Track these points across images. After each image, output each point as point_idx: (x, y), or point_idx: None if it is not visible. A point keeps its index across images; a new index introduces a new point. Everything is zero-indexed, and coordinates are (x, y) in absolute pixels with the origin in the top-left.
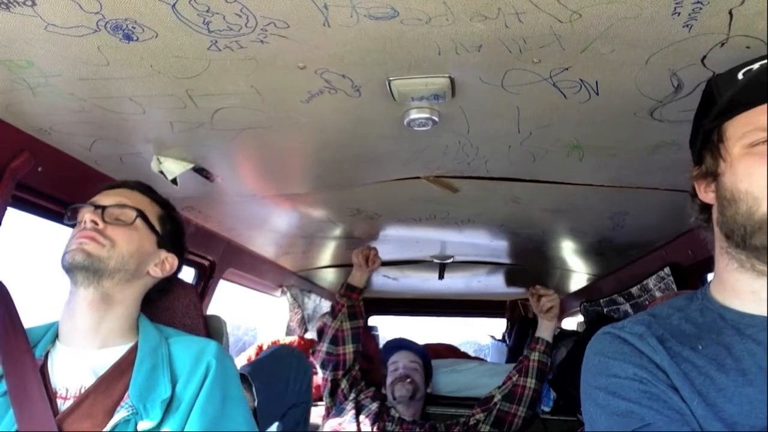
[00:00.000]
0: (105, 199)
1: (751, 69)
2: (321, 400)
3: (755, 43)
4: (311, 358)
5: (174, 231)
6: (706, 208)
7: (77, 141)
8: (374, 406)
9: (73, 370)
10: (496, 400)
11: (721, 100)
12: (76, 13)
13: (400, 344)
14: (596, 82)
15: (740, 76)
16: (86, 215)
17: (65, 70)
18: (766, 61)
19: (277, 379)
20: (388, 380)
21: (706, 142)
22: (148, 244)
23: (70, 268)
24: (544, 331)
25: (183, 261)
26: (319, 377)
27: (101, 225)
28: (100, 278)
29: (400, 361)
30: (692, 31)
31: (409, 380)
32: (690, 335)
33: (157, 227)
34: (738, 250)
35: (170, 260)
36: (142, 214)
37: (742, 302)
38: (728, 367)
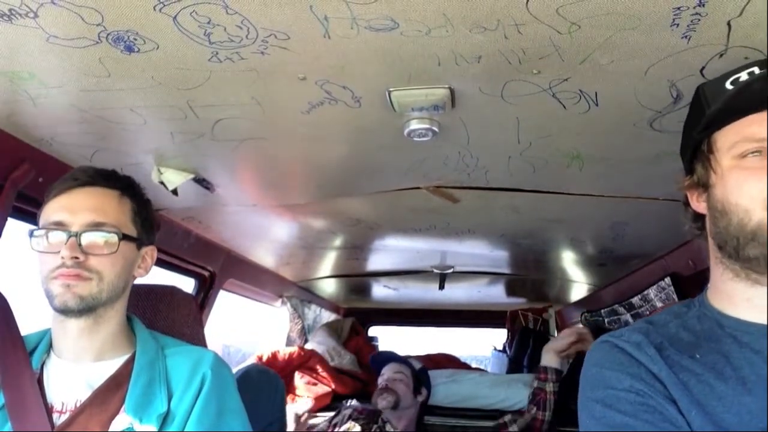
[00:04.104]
0: (73, 214)
1: (738, 78)
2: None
3: (754, 54)
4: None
5: (146, 219)
6: (699, 216)
7: (78, 151)
8: (357, 428)
9: (68, 383)
10: (511, 430)
11: (709, 111)
12: (78, 25)
13: (386, 357)
14: (595, 93)
15: (728, 85)
16: (63, 250)
17: (67, 82)
18: (752, 69)
19: (248, 405)
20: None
21: (696, 152)
22: (130, 255)
23: (64, 311)
24: (553, 360)
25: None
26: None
27: (82, 258)
28: (93, 311)
29: (385, 374)
30: (691, 42)
31: (389, 391)
32: (688, 343)
33: (135, 231)
34: (731, 260)
35: (150, 253)
36: (123, 236)
37: (738, 310)
38: (727, 375)
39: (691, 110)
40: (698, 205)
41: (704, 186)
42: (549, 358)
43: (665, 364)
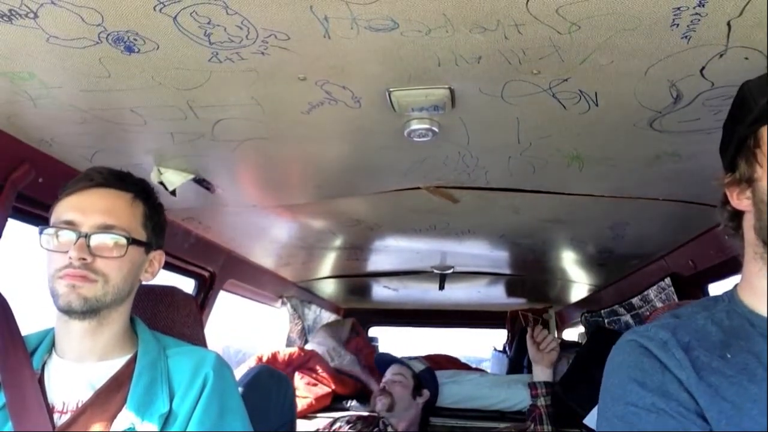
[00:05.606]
0: (84, 214)
1: None
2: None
3: (754, 54)
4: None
5: (157, 223)
6: (735, 215)
7: (78, 152)
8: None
9: (70, 383)
10: None
11: (757, 106)
12: (78, 26)
13: (389, 360)
14: (595, 93)
15: None
16: (72, 250)
17: (67, 82)
18: None
19: (257, 407)
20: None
21: (740, 148)
22: (137, 259)
23: (67, 312)
24: (541, 374)
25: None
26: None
27: (89, 259)
28: (97, 313)
29: (386, 375)
30: (691, 42)
31: (385, 394)
32: (717, 340)
33: (144, 236)
34: None
35: (158, 257)
36: (132, 240)
37: None
38: (760, 377)
39: (733, 107)
40: (739, 202)
41: (748, 181)
42: (537, 372)
43: (693, 369)
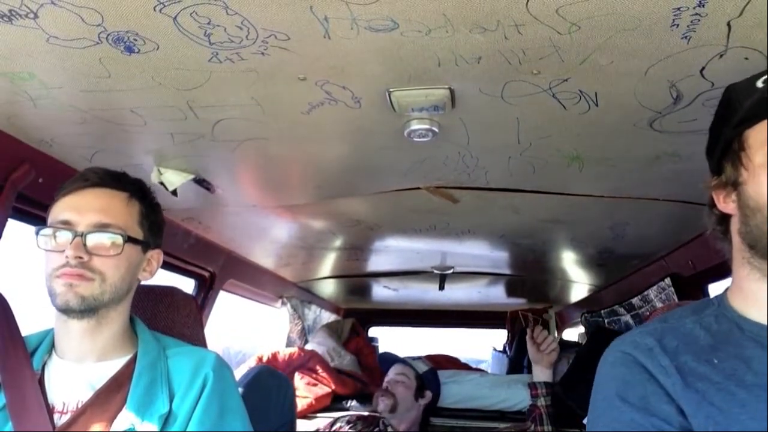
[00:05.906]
0: (80, 214)
1: None
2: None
3: (754, 54)
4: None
5: (154, 222)
6: (723, 218)
7: (78, 152)
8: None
9: (70, 383)
10: None
11: (742, 109)
12: (78, 26)
13: (393, 359)
14: (595, 94)
15: (760, 84)
16: (68, 249)
17: (67, 82)
18: None
19: (257, 407)
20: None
21: (726, 151)
22: (135, 258)
23: (65, 311)
24: (541, 374)
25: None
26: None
27: (86, 258)
28: (95, 312)
29: (389, 375)
30: (691, 42)
31: (387, 394)
32: (705, 345)
33: (141, 234)
34: (761, 260)
35: (156, 256)
36: (128, 238)
37: (761, 313)
38: (749, 382)
39: (719, 110)
40: (725, 205)
41: (734, 184)
42: (537, 373)
43: (679, 375)
